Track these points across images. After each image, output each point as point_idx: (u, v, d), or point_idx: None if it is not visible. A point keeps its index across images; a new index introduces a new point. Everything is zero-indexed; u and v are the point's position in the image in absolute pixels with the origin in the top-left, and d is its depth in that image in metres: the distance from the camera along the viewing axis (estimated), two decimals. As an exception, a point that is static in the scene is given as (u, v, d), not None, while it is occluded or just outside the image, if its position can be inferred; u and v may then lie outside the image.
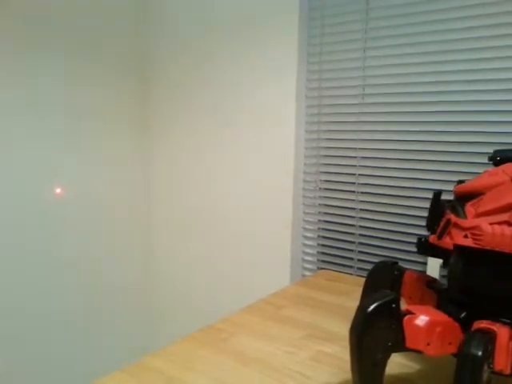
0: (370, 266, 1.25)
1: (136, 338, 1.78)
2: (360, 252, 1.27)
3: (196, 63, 1.54)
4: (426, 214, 1.14)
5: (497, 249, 0.41)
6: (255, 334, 0.71)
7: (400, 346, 0.45)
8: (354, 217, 1.29)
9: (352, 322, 0.45)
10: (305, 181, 1.38)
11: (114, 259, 1.66)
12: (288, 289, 0.95)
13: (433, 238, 0.49)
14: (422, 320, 0.45)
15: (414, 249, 1.18)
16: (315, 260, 1.39)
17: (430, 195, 1.14)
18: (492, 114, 1.06)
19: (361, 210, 1.27)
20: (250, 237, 1.46)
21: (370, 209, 1.25)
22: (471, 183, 0.46)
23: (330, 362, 0.63)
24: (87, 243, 1.57)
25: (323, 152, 1.35)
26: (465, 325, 0.46)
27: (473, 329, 0.42)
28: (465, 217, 0.45)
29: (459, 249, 0.46)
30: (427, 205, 1.16)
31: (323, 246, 1.37)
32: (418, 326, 0.45)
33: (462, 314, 0.47)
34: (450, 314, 0.47)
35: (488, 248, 0.42)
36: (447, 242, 0.46)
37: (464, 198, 0.47)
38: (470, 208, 0.45)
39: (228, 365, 0.61)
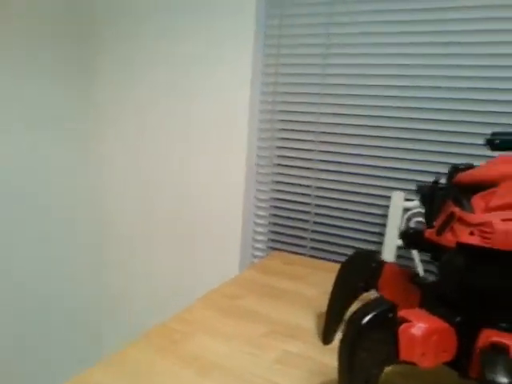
0: (324, 246, 1.21)
1: (91, 327, 1.65)
2: (313, 231, 1.22)
3: (147, 38, 1.37)
4: (384, 192, 1.12)
5: (510, 249, 0.36)
6: (212, 333, 0.63)
7: (393, 358, 0.39)
8: (309, 195, 1.23)
9: (343, 335, 0.38)
10: (259, 156, 1.29)
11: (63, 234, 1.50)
12: (243, 275, 0.88)
13: (430, 233, 0.43)
14: (418, 328, 0.39)
15: (370, 229, 1.15)
16: (266, 239, 1.33)
17: (391, 173, 1.11)
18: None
19: (317, 187, 1.21)
20: (198, 213, 1.36)
21: (327, 187, 1.20)
22: (481, 171, 0.40)
23: (298, 363, 0.57)
24: (35, 224, 1.40)
25: (279, 125, 1.26)
26: (460, 330, 0.41)
27: (482, 342, 0.37)
28: (471, 211, 0.39)
29: (461, 246, 0.40)
30: (387, 183, 1.13)
31: (275, 224, 1.30)
32: (413, 336, 0.39)
33: (457, 318, 0.42)
34: (442, 317, 0.42)
35: (499, 248, 0.36)
36: (449, 239, 0.40)
37: (469, 188, 0.40)
38: (478, 201, 0.39)
39: (187, 376, 0.52)
